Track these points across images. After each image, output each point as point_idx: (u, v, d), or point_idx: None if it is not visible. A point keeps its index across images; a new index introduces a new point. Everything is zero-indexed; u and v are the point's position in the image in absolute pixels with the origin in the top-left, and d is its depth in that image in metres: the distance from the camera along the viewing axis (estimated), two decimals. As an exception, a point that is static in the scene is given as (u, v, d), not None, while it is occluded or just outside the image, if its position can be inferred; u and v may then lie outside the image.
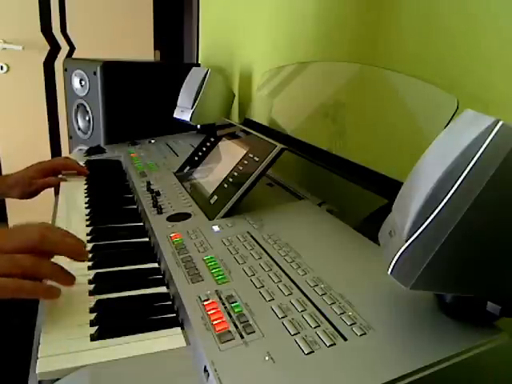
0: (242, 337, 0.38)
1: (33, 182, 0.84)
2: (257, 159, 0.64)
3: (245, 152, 0.67)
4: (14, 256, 0.41)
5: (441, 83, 0.57)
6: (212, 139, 0.83)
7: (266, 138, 0.67)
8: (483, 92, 0.59)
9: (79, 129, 1.31)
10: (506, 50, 0.57)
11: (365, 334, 0.37)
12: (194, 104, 1.12)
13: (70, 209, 0.74)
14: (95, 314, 0.44)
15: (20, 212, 2.16)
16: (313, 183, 0.80)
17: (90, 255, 0.56)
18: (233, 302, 0.42)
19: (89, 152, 1.08)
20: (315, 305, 0.41)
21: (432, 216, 0.32)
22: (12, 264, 0.40)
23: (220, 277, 0.47)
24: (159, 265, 0.55)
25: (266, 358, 0.35)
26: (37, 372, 0.36)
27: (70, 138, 1.39)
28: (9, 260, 0.40)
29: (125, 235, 0.63)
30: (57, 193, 0.80)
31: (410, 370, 0.33)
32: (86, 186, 0.84)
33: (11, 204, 2.15)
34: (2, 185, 0.85)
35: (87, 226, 0.66)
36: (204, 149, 0.82)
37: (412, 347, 0.36)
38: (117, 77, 1.19)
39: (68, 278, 0.44)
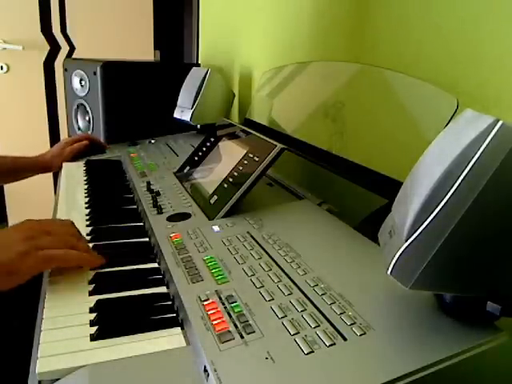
0: (241, 337, 0.38)
1: (67, 149, 1.00)
2: (257, 159, 0.64)
3: (245, 152, 0.67)
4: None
5: (437, 82, 0.57)
6: (212, 139, 0.83)
7: (266, 138, 0.67)
8: (480, 92, 0.59)
9: (79, 129, 1.31)
10: (504, 50, 0.57)
11: (365, 333, 0.37)
12: (194, 104, 1.12)
13: (69, 209, 0.74)
14: (95, 314, 0.44)
15: (20, 212, 2.16)
16: (313, 183, 0.79)
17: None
18: (233, 302, 0.42)
19: (89, 152, 1.08)
20: (315, 305, 0.41)
21: (432, 216, 0.32)
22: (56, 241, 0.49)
23: (220, 277, 0.47)
24: (159, 265, 0.55)
25: (266, 358, 0.35)
26: (37, 372, 0.36)
27: (70, 138, 1.39)
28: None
29: (125, 235, 0.63)
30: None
31: (409, 370, 0.33)
32: (86, 186, 0.84)
33: (11, 204, 2.15)
34: (40, 161, 0.98)
35: (87, 226, 0.66)
36: (204, 149, 0.82)
37: (412, 347, 0.36)
38: (117, 77, 1.19)
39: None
